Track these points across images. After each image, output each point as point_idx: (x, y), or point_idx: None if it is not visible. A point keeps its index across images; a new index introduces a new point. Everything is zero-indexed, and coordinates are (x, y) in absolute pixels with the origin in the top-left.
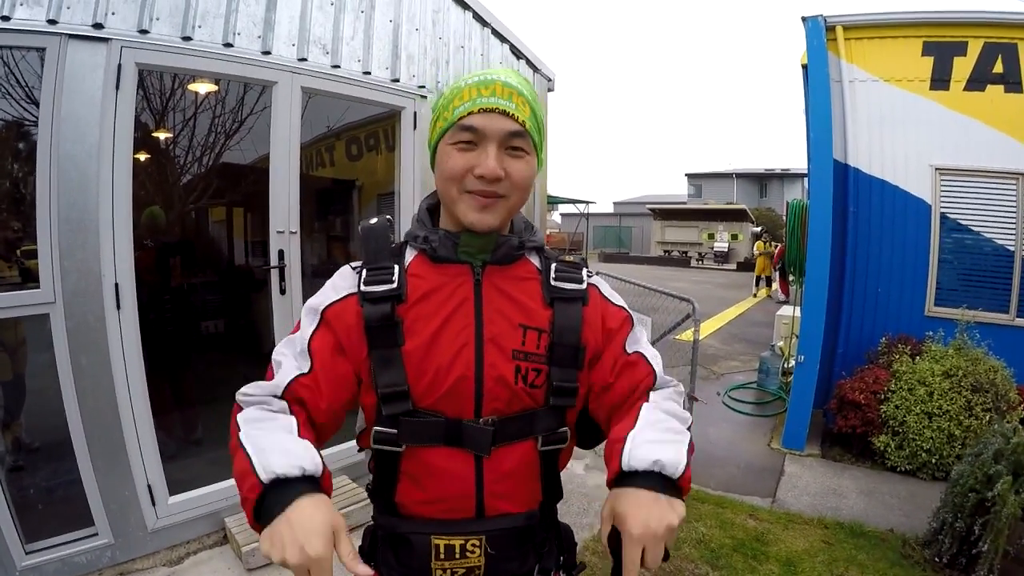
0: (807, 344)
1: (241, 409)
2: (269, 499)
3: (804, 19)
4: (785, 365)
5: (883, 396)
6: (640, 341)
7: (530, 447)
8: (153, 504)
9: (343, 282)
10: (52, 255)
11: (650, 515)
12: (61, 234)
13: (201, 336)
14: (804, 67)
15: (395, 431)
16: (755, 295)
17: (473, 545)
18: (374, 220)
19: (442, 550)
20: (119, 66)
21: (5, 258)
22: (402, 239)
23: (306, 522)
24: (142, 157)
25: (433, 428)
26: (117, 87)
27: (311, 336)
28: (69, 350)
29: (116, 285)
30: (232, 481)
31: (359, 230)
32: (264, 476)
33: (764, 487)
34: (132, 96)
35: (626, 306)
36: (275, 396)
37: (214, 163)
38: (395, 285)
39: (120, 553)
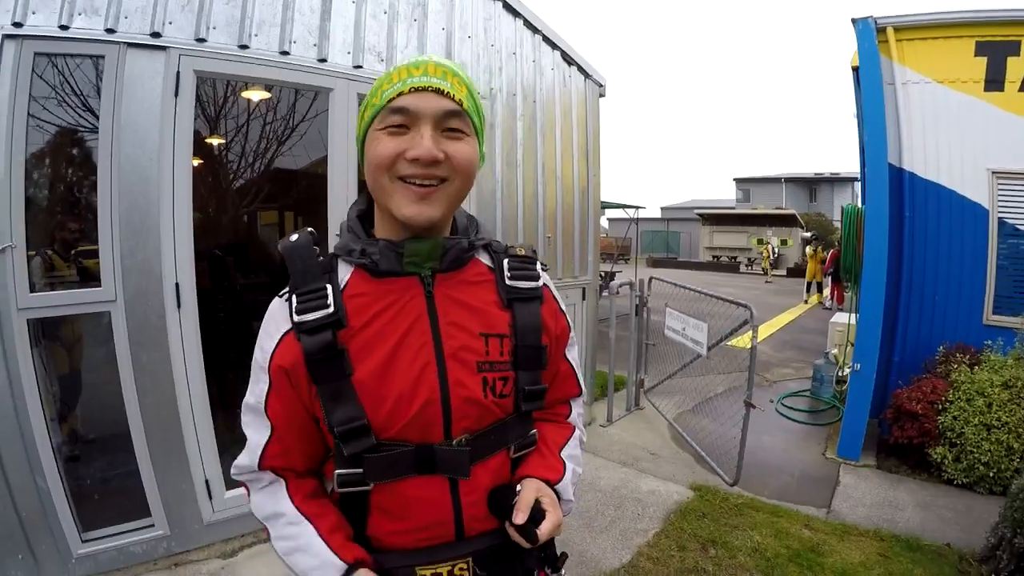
0: (863, 352)
1: (247, 488)
2: None
3: (854, 21)
4: (839, 373)
5: (940, 406)
6: (573, 349)
7: (503, 458)
8: (210, 498)
9: (273, 323)
10: (113, 255)
11: (558, 516)
12: (123, 235)
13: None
14: (855, 69)
15: (360, 470)
16: (806, 301)
17: (461, 569)
18: (295, 236)
19: None
20: (177, 74)
21: (64, 257)
22: (330, 252)
23: None
24: (196, 162)
25: (402, 459)
26: (176, 93)
27: (266, 400)
28: (130, 347)
29: (177, 285)
30: None
31: (279, 250)
32: None
33: (819, 497)
34: (191, 102)
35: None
36: (256, 471)
37: (266, 168)
38: (331, 309)
39: (176, 544)
